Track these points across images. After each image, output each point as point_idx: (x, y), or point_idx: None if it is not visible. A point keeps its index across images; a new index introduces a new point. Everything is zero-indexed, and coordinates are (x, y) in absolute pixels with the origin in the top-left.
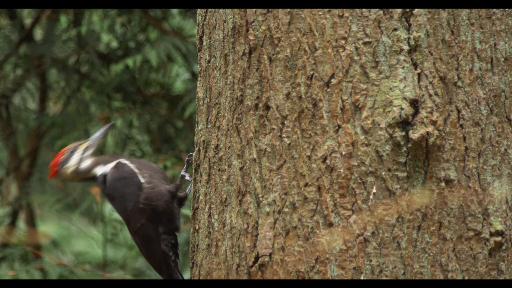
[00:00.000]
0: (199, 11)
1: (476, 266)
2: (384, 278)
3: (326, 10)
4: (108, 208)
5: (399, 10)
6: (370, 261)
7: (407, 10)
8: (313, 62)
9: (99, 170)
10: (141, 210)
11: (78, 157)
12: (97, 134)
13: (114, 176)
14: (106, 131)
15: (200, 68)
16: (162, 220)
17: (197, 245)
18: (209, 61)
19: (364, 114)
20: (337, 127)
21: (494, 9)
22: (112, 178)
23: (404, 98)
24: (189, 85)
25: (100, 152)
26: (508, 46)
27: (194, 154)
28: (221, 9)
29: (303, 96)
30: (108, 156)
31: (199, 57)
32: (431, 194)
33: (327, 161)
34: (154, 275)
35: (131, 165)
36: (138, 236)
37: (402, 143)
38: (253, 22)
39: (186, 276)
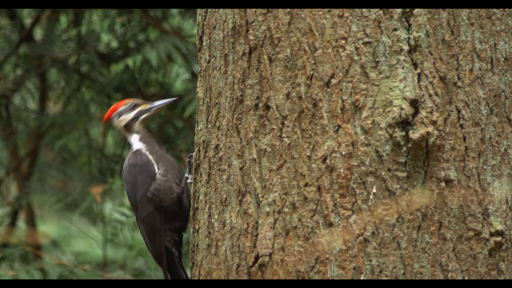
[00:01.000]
0: (199, 11)
1: (476, 266)
2: (384, 278)
3: (326, 10)
4: (108, 208)
5: (399, 10)
6: (370, 261)
7: (407, 10)
8: (313, 62)
9: (134, 140)
10: (150, 200)
11: (134, 115)
12: (159, 102)
13: (131, 161)
14: (168, 103)
15: (200, 68)
16: (167, 215)
17: (197, 245)
18: (209, 61)
19: (364, 114)
20: (337, 127)
21: (494, 9)
22: (129, 163)
23: (404, 98)
24: (189, 85)
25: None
26: (508, 46)
27: (194, 154)
28: (221, 9)
29: (303, 96)
30: (149, 137)
31: (199, 57)
32: (431, 194)
33: (327, 161)
34: (154, 275)
35: (150, 155)
36: (144, 224)
37: (402, 143)
38: (253, 22)
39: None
